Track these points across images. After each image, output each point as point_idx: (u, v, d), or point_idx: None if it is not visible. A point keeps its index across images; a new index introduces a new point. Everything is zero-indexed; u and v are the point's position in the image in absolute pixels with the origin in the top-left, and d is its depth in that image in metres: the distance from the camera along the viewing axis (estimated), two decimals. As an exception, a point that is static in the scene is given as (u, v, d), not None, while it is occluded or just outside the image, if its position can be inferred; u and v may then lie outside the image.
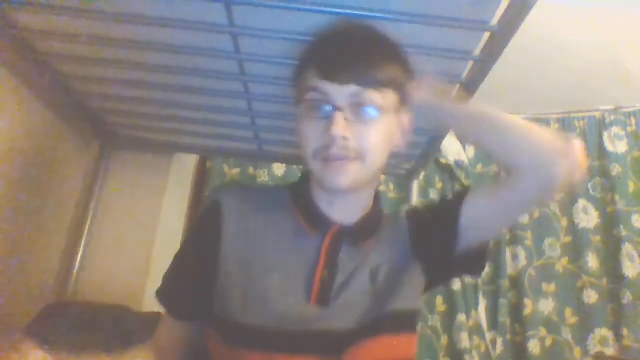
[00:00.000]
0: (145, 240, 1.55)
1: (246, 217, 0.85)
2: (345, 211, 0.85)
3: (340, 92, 0.77)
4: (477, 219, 0.85)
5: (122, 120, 1.44)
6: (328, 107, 0.77)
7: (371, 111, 0.78)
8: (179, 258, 0.88)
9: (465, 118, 0.86)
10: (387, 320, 0.81)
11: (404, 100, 0.84)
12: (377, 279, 0.83)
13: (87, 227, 1.51)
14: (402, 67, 0.83)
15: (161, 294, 0.88)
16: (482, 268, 0.95)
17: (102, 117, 1.42)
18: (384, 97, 0.79)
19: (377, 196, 0.91)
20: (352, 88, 0.76)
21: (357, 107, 0.77)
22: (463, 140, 0.83)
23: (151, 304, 1.48)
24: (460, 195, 0.87)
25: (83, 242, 1.49)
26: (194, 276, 0.85)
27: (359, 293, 0.81)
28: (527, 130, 0.82)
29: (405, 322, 0.85)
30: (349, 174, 0.78)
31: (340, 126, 0.75)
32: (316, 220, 0.84)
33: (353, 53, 0.79)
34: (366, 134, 0.78)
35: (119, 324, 1.23)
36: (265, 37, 0.94)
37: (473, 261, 0.91)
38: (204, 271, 0.83)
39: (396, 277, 0.85)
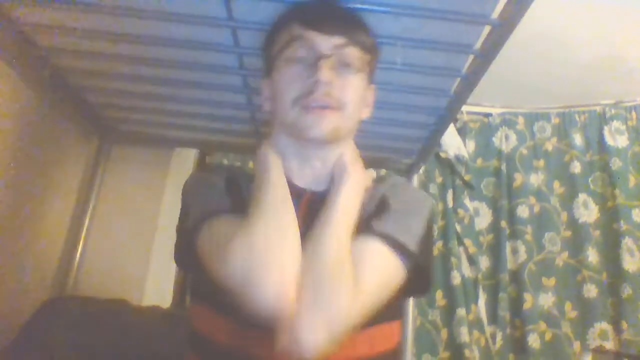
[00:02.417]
0: (145, 235, 1.55)
1: (246, 194, 0.82)
2: (314, 178, 0.83)
3: (326, 41, 0.78)
4: None
5: (121, 115, 1.44)
6: (314, 54, 0.78)
7: (352, 64, 0.80)
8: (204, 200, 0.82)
9: None
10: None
11: (372, 70, 0.87)
12: None
13: (86, 222, 1.50)
14: (373, 42, 0.87)
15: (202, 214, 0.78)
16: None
17: (101, 112, 1.42)
18: (363, 59, 0.82)
19: None
20: (337, 40, 0.78)
21: (340, 59, 0.79)
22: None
23: (151, 299, 1.49)
24: None
25: (83, 237, 1.49)
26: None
27: None
28: None
29: (381, 313, 0.78)
30: (330, 122, 0.77)
31: (327, 72, 0.76)
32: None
33: (338, 9, 0.83)
34: (348, 84, 0.79)
35: (119, 318, 1.23)
36: (265, 30, 0.94)
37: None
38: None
39: None
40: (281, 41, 0.82)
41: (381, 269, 0.74)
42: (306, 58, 0.79)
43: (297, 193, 0.80)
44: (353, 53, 0.80)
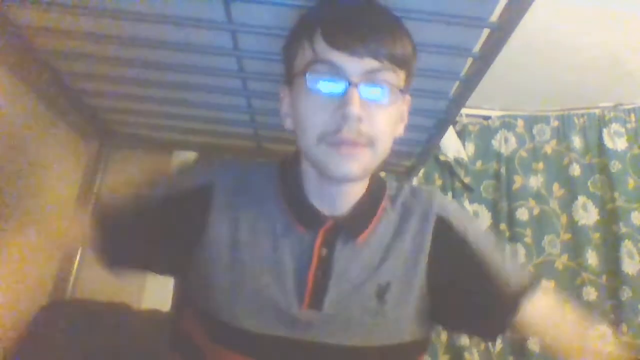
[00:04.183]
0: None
1: (237, 209, 0.76)
2: (338, 203, 0.77)
3: (356, 66, 0.66)
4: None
5: (121, 118, 1.44)
6: (340, 84, 0.67)
7: (385, 93, 0.68)
8: (138, 209, 0.80)
9: None
10: (388, 353, 0.73)
11: (409, 82, 0.75)
12: (385, 298, 0.73)
13: (86, 225, 1.50)
14: (412, 43, 0.74)
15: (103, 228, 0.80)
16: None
17: (101, 115, 1.42)
18: (398, 78, 0.70)
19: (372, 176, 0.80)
20: (369, 63, 0.67)
21: (371, 86, 0.68)
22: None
23: (151, 302, 1.48)
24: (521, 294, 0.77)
25: (82, 240, 1.49)
26: (150, 241, 0.79)
27: (361, 308, 0.72)
28: None
29: (407, 354, 0.77)
30: (360, 161, 0.68)
31: (357, 105, 0.65)
32: (306, 216, 0.76)
33: (370, 23, 0.69)
34: (379, 118, 0.68)
35: (119, 321, 1.23)
36: (265, 34, 0.94)
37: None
38: (164, 245, 0.78)
39: (407, 299, 0.75)
40: (303, 56, 0.70)
41: None
42: (332, 84, 0.68)
43: (318, 220, 0.76)
44: (387, 76, 0.69)
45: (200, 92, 1.19)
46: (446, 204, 0.83)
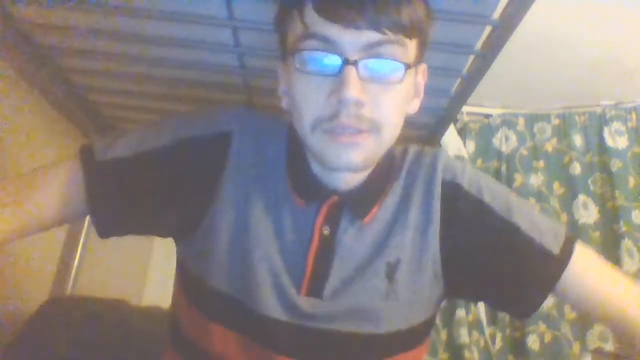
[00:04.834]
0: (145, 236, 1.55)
1: (250, 168, 0.69)
2: (346, 178, 0.68)
3: (354, 40, 0.57)
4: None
5: (121, 114, 1.44)
6: (335, 61, 0.57)
7: (390, 69, 0.59)
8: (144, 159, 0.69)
9: None
10: (400, 338, 0.68)
11: (423, 49, 0.66)
12: (396, 277, 0.66)
13: (86, 221, 1.50)
14: (424, 4, 0.64)
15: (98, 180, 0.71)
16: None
17: (101, 110, 1.42)
18: (406, 50, 0.60)
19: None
20: (368, 36, 0.57)
21: (374, 62, 0.58)
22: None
23: (151, 299, 1.49)
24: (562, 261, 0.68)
25: (82, 237, 1.49)
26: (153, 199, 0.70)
27: (370, 292, 0.66)
28: None
29: (418, 335, 0.72)
30: (362, 150, 0.60)
31: (355, 87, 0.56)
32: (307, 188, 0.68)
33: None
34: (384, 99, 0.59)
35: (119, 318, 1.23)
36: (266, 30, 0.94)
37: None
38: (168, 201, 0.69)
39: (419, 276, 0.68)
40: (294, 30, 0.61)
41: None
42: (327, 61, 0.58)
43: (320, 194, 0.68)
44: (393, 49, 0.58)
45: (201, 88, 1.19)
46: (454, 165, 0.74)
